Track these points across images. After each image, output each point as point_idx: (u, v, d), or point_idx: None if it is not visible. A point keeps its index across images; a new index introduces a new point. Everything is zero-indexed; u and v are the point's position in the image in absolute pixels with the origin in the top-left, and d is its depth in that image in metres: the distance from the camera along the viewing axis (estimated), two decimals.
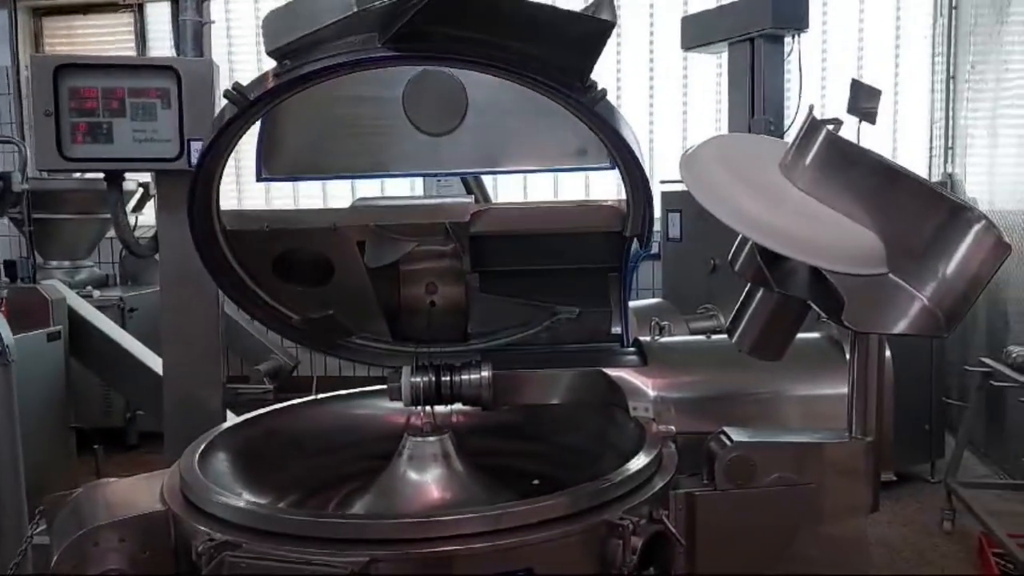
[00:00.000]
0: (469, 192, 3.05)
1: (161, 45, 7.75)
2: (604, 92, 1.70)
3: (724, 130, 6.09)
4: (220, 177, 1.91)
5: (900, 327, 1.42)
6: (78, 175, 5.64)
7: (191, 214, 1.90)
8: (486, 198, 3.06)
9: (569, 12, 1.57)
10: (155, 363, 3.99)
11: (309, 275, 2.14)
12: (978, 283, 1.38)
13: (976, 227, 1.36)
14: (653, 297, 5.98)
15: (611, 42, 6.68)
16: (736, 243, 1.69)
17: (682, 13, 6.54)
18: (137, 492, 1.76)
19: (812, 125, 1.54)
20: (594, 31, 1.57)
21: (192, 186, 1.85)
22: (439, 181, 7.00)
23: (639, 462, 1.68)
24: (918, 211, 1.41)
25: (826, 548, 1.76)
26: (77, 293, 4.86)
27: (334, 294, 2.14)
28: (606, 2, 1.61)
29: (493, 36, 1.59)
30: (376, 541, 1.45)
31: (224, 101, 1.68)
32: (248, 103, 1.64)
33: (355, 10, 1.50)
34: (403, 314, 2.21)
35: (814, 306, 1.58)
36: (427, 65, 1.90)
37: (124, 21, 7.87)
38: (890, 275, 1.43)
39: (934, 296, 1.39)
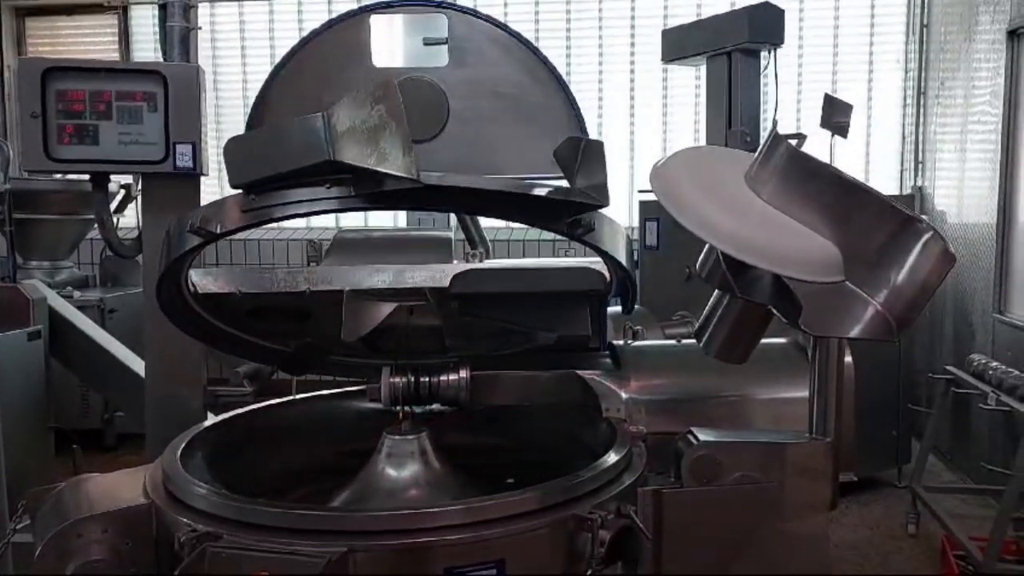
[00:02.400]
0: None
1: (145, 47, 7.76)
2: (591, 225, 1.74)
3: (702, 140, 6.19)
4: (187, 271, 1.92)
5: (854, 331, 1.49)
6: (60, 176, 5.64)
7: (159, 297, 1.91)
8: None
9: (552, 199, 1.63)
10: (135, 364, 4.01)
11: (285, 317, 2.16)
12: (927, 290, 1.46)
13: (925, 238, 1.43)
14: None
15: (593, 52, 6.77)
16: (704, 251, 1.76)
17: (663, 26, 6.65)
18: (120, 486, 1.80)
19: (775, 139, 1.62)
20: (583, 205, 1.63)
21: (159, 284, 1.86)
22: None
23: (609, 460, 1.74)
24: (872, 222, 1.49)
25: (787, 544, 1.82)
26: (57, 293, 4.86)
27: (311, 325, 2.17)
28: (597, 157, 1.65)
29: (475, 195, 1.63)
30: (353, 533, 1.50)
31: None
32: (213, 237, 1.64)
33: (329, 158, 1.48)
34: (381, 332, 2.23)
35: (775, 311, 1.65)
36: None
37: (108, 23, 7.87)
38: (846, 282, 1.51)
39: (886, 302, 1.47)
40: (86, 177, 2.94)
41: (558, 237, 7.32)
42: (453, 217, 3.47)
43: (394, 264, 2.13)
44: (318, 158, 1.49)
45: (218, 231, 1.61)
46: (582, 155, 1.70)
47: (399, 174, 1.43)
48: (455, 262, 2.20)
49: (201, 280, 2.02)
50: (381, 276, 2.07)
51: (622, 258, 1.83)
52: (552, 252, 7.27)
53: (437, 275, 2.08)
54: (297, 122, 1.52)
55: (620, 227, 1.86)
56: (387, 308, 2.02)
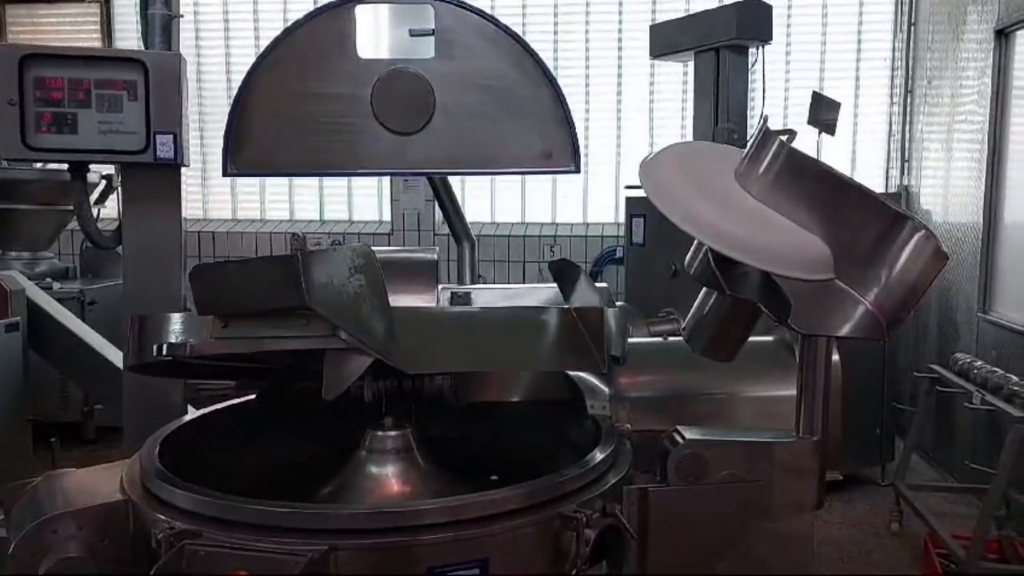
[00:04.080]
0: (436, 193, 3.08)
1: (128, 36, 7.67)
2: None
3: (689, 136, 6.19)
4: None
5: (844, 330, 1.48)
6: (39, 165, 5.57)
7: (133, 370, 1.90)
8: (452, 200, 3.08)
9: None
10: (115, 356, 3.96)
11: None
12: (918, 290, 1.45)
13: (917, 236, 1.42)
14: (617, 300, 6.05)
15: (581, 47, 6.76)
16: (692, 248, 1.74)
17: (650, 21, 6.64)
18: (96, 482, 1.77)
19: (765, 135, 1.60)
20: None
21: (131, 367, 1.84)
22: (406, 181, 7.04)
23: (594, 458, 1.72)
24: (863, 220, 1.47)
25: (772, 543, 1.81)
26: (36, 285, 4.80)
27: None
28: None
29: None
30: (334, 531, 1.47)
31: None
32: (183, 358, 1.60)
33: (306, 303, 1.42)
34: None
35: (764, 309, 1.63)
36: None
37: (90, 11, 7.78)
38: (836, 281, 1.49)
39: (877, 301, 1.46)
40: (66, 166, 2.90)
41: (544, 233, 7.33)
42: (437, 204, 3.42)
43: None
44: (295, 302, 1.44)
45: (187, 354, 1.56)
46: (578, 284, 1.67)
47: (378, 354, 1.38)
48: (439, 287, 2.14)
49: (176, 338, 1.97)
50: None
51: (617, 351, 1.83)
52: (539, 248, 7.26)
53: None
54: (271, 262, 1.45)
55: (610, 315, 1.82)
56: (366, 360, 1.99)
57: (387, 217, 7.52)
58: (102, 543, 1.61)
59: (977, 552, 3.65)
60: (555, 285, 2.09)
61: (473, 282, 3.13)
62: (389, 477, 1.89)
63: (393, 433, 1.94)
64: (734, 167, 1.67)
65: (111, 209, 5.91)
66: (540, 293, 2.33)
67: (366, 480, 1.89)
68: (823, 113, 4.66)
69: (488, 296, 2.27)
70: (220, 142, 2.54)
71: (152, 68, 2.68)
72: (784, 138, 1.62)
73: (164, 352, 1.54)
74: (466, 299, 2.06)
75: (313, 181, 7.60)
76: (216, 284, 1.48)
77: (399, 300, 2.06)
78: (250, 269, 1.46)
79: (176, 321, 1.61)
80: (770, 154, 1.58)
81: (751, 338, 1.86)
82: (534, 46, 2.64)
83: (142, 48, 3.11)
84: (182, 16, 2.98)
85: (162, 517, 1.53)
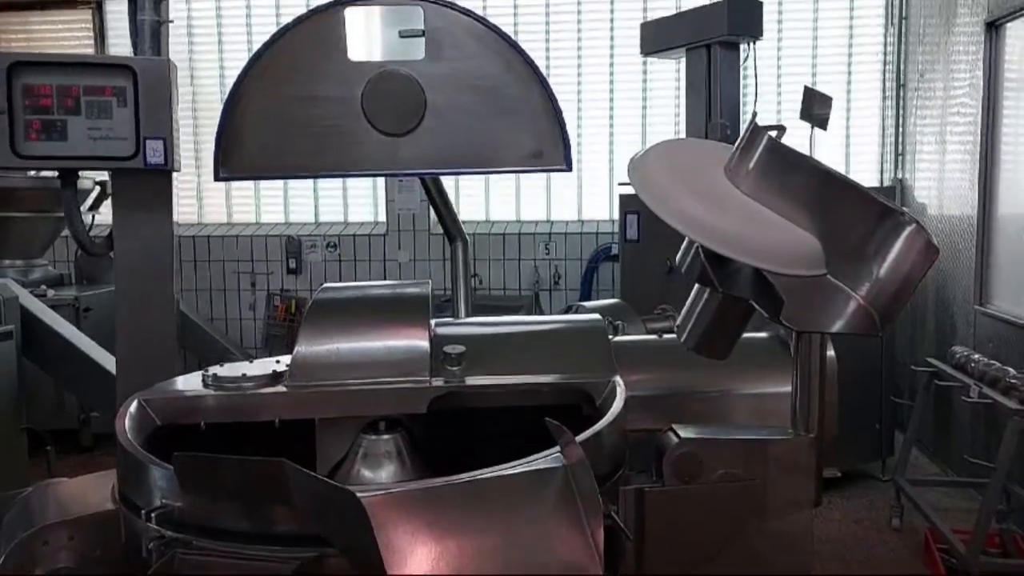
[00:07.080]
0: (428, 193, 3.06)
1: (122, 43, 7.66)
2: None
3: (683, 132, 6.19)
4: None
5: (837, 326, 1.47)
6: (32, 173, 5.55)
7: None
8: (444, 200, 3.07)
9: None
10: (110, 363, 3.94)
11: None
12: (910, 283, 1.44)
13: (907, 230, 1.41)
14: (612, 297, 6.05)
15: (572, 45, 6.75)
16: (684, 245, 1.73)
17: (642, 19, 6.63)
18: (88, 491, 1.76)
19: (754, 131, 1.59)
20: None
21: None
22: (400, 181, 7.03)
23: None
24: (854, 214, 1.46)
25: (771, 542, 1.80)
26: (31, 292, 4.79)
27: None
28: None
29: None
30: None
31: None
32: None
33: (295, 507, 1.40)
34: None
35: (756, 306, 1.62)
36: None
37: (83, 18, 7.76)
38: (828, 276, 1.48)
39: (869, 296, 1.45)
40: (56, 174, 2.88)
41: (539, 231, 7.32)
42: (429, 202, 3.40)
43: (369, 339, 2.04)
44: (280, 503, 1.43)
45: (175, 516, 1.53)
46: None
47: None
48: (432, 323, 2.13)
49: (165, 410, 1.96)
50: (353, 403, 1.98)
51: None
52: (534, 246, 7.25)
53: (413, 399, 1.98)
54: (256, 467, 1.38)
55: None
56: (362, 422, 1.97)
57: (382, 218, 7.52)
58: (94, 553, 1.61)
59: (978, 547, 3.65)
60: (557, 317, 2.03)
61: (467, 282, 3.11)
62: (381, 481, 1.88)
63: (385, 437, 1.93)
64: (723, 163, 1.66)
65: (106, 215, 5.90)
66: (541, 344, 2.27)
67: (358, 485, 1.88)
68: (816, 108, 4.65)
69: (486, 342, 2.21)
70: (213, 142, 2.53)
71: (141, 74, 2.67)
72: (773, 133, 1.61)
73: (153, 521, 1.50)
74: (458, 360, 2.03)
75: (308, 183, 7.59)
76: (200, 475, 1.45)
77: (391, 337, 2.07)
78: (233, 468, 1.42)
79: (161, 478, 1.55)
80: (759, 149, 1.57)
81: (745, 335, 1.85)
82: (525, 45, 2.63)
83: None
84: (171, 21, 2.96)
85: (153, 526, 1.52)
